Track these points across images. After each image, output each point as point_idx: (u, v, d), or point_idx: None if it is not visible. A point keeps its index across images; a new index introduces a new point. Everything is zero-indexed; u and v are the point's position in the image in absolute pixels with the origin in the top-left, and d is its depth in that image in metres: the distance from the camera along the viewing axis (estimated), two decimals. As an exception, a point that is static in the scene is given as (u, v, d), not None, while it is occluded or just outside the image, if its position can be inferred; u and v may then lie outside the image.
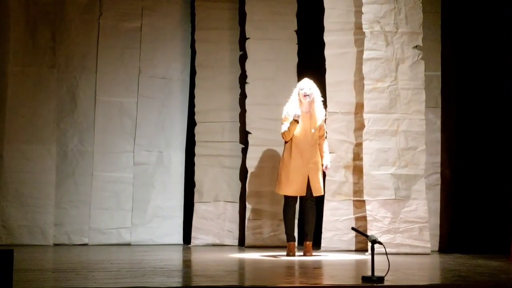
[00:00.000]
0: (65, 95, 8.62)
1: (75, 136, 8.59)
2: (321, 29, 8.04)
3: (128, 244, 8.52)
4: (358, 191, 7.76)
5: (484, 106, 8.15)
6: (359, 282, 4.90)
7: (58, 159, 8.49)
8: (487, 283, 5.01)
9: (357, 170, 7.79)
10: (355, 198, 7.79)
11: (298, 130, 7.22)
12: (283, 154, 7.38)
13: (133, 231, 8.60)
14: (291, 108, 7.28)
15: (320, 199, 7.68)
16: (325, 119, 7.48)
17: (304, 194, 7.25)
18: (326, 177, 7.79)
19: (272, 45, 8.63)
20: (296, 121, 7.16)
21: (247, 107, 8.59)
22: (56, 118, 8.54)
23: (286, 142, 7.33)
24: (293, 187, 7.24)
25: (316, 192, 7.25)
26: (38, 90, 8.52)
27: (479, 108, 8.18)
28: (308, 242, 7.29)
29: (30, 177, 8.36)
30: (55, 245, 8.34)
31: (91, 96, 8.67)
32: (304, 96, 7.27)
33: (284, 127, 7.27)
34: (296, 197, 7.34)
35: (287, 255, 7.24)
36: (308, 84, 7.33)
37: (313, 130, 7.25)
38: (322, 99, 7.40)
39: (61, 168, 8.49)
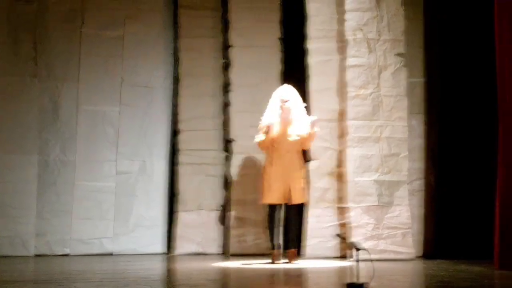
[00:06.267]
0: (47, 104, 8.58)
1: (57, 145, 8.54)
2: (305, 36, 8.04)
3: (110, 254, 8.46)
4: (341, 197, 7.75)
5: (467, 112, 8.16)
6: (342, 289, 4.89)
7: (39, 168, 8.43)
8: (470, 288, 5.02)
9: (341, 177, 7.79)
10: (339, 205, 7.78)
11: (278, 137, 7.20)
12: (265, 162, 7.37)
13: (116, 241, 8.54)
14: (269, 116, 7.27)
15: (304, 206, 7.66)
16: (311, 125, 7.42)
17: (286, 202, 7.24)
18: (310, 184, 7.78)
19: (256, 53, 8.63)
20: (266, 132, 7.15)
21: (231, 115, 8.57)
22: (38, 128, 8.49)
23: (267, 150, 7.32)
24: (274, 195, 7.23)
25: (296, 200, 7.23)
26: (20, 100, 8.47)
27: (463, 114, 8.19)
28: (292, 250, 7.27)
29: (11, 186, 8.31)
30: (37, 256, 8.27)
31: (73, 105, 8.63)
32: (284, 102, 7.27)
33: (258, 138, 7.27)
34: (280, 204, 7.33)
35: (272, 262, 7.22)
36: (287, 91, 7.33)
37: (293, 138, 7.23)
38: (305, 104, 7.39)
39: (42, 177, 8.44)
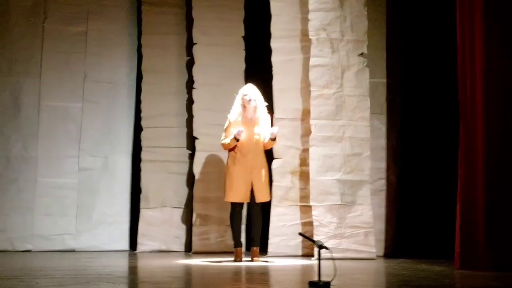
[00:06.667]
0: (8, 100, 8.49)
1: (18, 141, 8.46)
2: (269, 35, 8.07)
3: (73, 251, 8.41)
4: (304, 196, 7.80)
5: (428, 112, 8.28)
6: (305, 287, 4.92)
7: (0, 165, 8.34)
8: (431, 287, 5.09)
9: (304, 176, 7.84)
10: (302, 204, 7.83)
11: (242, 136, 7.23)
12: (227, 161, 7.39)
13: (78, 237, 8.50)
14: (235, 117, 7.28)
15: (267, 205, 7.70)
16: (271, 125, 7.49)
17: (249, 201, 7.26)
18: (273, 183, 7.82)
19: (220, 51, 8.64)
20: (237, 139, 7.18)
21: (194, 113, 8.57)
22: (-2, 124, 8.41)
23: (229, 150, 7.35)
24: (238, 194, 7.24)
25: (260, 199, 7.26)
26: (-20, 95, 8.38)
27: (424, 115, 8.30)
28: (255, 248, 7.30)
29: (-29, 183, 8.23)
30: (-2, 251, 8.20)
31: (35, 101, 8.55)
32: (249, 101, 7.28)
33: (225, 140, 7.28)
34: (242, 203, 7.35)
35: (234, 260, 7.24)
36: (251, 90, 7.35)
37: (256, 137, 7.26)
38: (266, 104, 7.43)
39: (4, 174, 8.37)
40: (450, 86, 7.12)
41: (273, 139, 7.24)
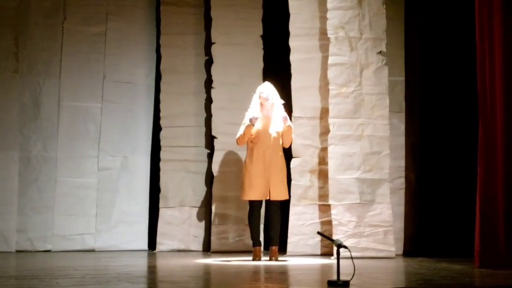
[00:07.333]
0: (28, 100, 8.55)
1: (38, 142, 8.51)
2: (287, 34, 8.07)
3: (92, 250, 8.46)
4: (323, 195, 7.79)
5: (448, 110, 8.24)
6: (324, 286, 4.92)
7: (21, 165, 8.41)
8: (451, 286, 5.07)
9: (323, 175, 7.82)
10: (321, 203, 7.82)
11: (259, 134, 7.24)
12: (245, 159, 7.40)
13: (98, 237, 8.55)
14: (252, 112, 7.31)
15: (286, 204, 7.69)
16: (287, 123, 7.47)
17: (267, 198, 7.27)
18: (292, 182, 7.82)
19: (238, 50, 8.65)
20: (252, 124, 7.19)
21: (212, 112, 8.59)
22: (19, 124, 8.46)
23: (248, 146, 7.35)
24: (256, 192, 7.25)
25: (277, 197, 7.26)
26: (0, 96, 8.42)
27: (443, 113, 8.27)
28: (273, 247, 7.30)
29: (-8, 183, 8.28)
30: (18, 251, 8.25)
31: (55, 101, 8.61)
32: (265, 99, 7.31)
33: (240, 131, 7.31)
34: (261, 201, 7.36)
35: (253, 260, 7.24)
36: (268, 88, 7.38)
37: (274, 135, 7.26)
38: (283, 102, 7.44)
39: (24, 174, 8.42)
40: (470, 84, 7.08)
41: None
